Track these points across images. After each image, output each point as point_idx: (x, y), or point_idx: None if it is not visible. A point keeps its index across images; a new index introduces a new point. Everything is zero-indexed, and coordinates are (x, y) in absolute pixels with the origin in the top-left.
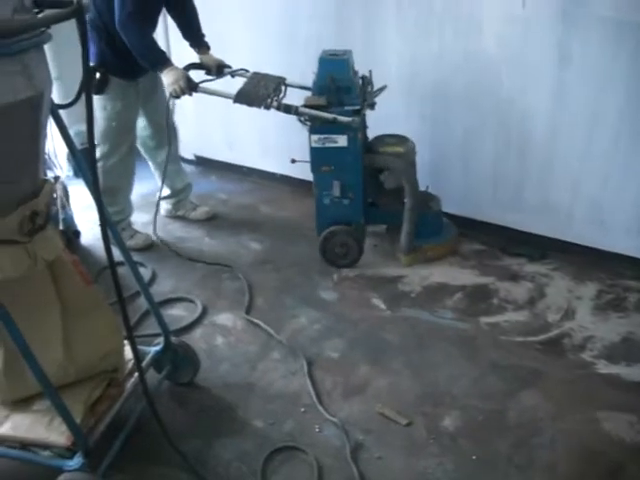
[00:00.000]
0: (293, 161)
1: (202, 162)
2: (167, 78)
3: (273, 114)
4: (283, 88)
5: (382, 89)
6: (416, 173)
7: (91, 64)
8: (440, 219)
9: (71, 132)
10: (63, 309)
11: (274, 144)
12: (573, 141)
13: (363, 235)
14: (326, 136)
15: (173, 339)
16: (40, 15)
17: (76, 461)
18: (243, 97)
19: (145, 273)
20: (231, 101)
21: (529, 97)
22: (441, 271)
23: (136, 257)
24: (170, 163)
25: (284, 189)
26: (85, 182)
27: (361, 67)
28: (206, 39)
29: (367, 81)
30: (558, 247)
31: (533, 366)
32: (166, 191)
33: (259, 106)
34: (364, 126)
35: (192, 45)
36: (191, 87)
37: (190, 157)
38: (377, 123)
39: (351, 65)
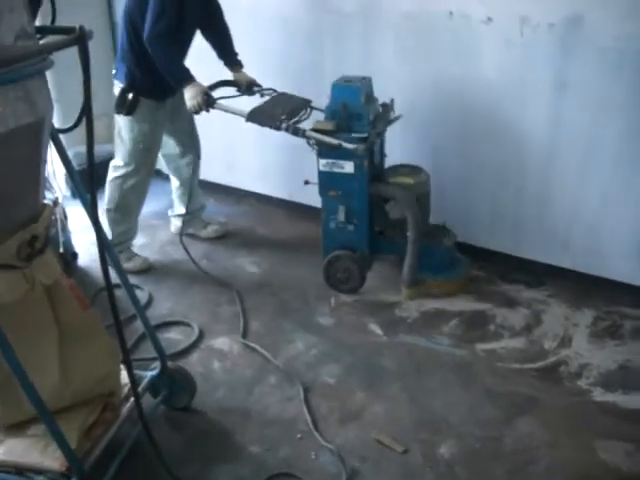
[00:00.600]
0: (306, 182)
1: (201, 185)
2: (187, 93)
3: (273, 137)
4: (307, 110)
5: (397, 118)
6: (428, 205)
7: (121, 85)
8: (451, 255)
9: (70, 153)
10: (60, 333)
11: (272, 167)
12: (570, 168)
13: (367, 263)
14: (333, 161)
15: (169, 363)
16: (42, 42)
17: None
18: (255, 116)
19: (142, 296)
20: (236, 122)
21: (526, 124)
22: (439, 298)
23: (133, 280)
24: (196, 178)
25: (280, 212)
26: (83, 204)
27: None
28: (239, 57)
29: (388, 109)
30: (555, 273)
31: (529, 393)
32: (181, 209)
33: (269, 126)
34: (382, 153)
35: (226, 64)
36: (208, 103)
37: None
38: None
39: (365, 92)
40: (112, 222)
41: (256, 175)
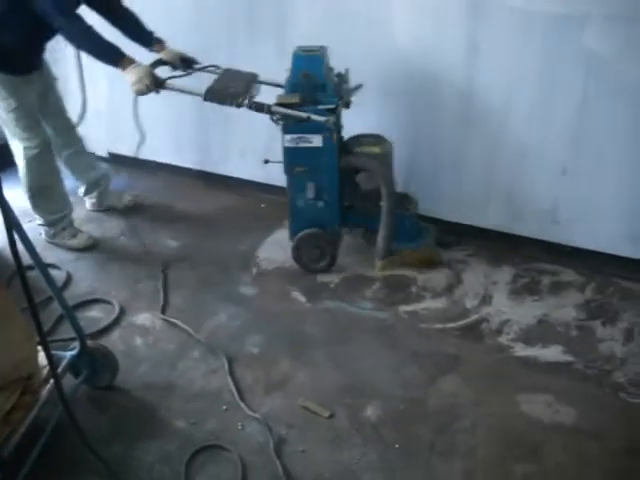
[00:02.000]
0: (266, 162)
1: (115, 159)
2: (131, 76)
3: (189, 108)
4: (256, 85)
5: (358, 87)
6: (393, 174)
7: None
8: (417, 222)
9: None
10: None
11: (189, 139)
12: (485, 128)
13: (339, 239)
14: (300, 136)
15: (89, 342)
16: None
17: None
18: (213, 95)
19: (60, 275)
20: (144, 96)
21: (443, 87)
22: (359, 262)
23: (50, 259)
24: (79, 157)
25: (197, 184)
26: None
27: None
28: (157, 35)
29: (344, 79)
30: (474, 233)
31: (452, 352)
32: (82, 188)
33: (230, 104)
34: (339, 126)
35: (145, 45)
36: (157, 84)
37: (104, 154)
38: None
39: (326, 62)
40: (37, 205)
41: (171, 147)
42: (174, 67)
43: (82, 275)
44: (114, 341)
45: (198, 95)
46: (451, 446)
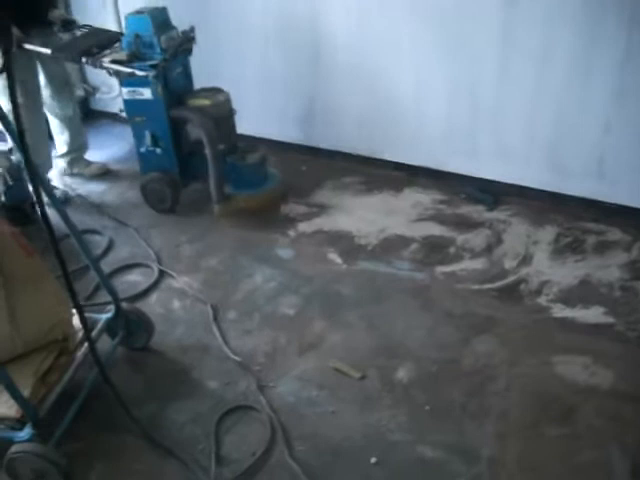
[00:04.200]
0: (121, 111)
1: None
2: None
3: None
4: (118, 44)
5: (191, 43)
6: (231, 124)
7: None
8: (261, 170)
9: None
10: (5, 282)
11: None
12: (523, 82)
13: (179, 183)
14: (134, 89)
15: (125, 305)
16: None
17: (26, 432)
18: (60, 51)
19: (102, 241)
20: None
21: (477, 42)
22: (398, 222)
23: (95, 225)
24: (72, 119)
25: None
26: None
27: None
28: None
29: (187, 35)
30: (516, 192)
31: (488, 313)
32: (63, 148)
33: (73, 60)
34: (186, 78)
35: None
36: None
37: None
38: None
39: (157, 22)
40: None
41: None
42: (55, 27)
43: (124, 240)
44: (152, 304)
45: (47, 52)
46: (483, 408)
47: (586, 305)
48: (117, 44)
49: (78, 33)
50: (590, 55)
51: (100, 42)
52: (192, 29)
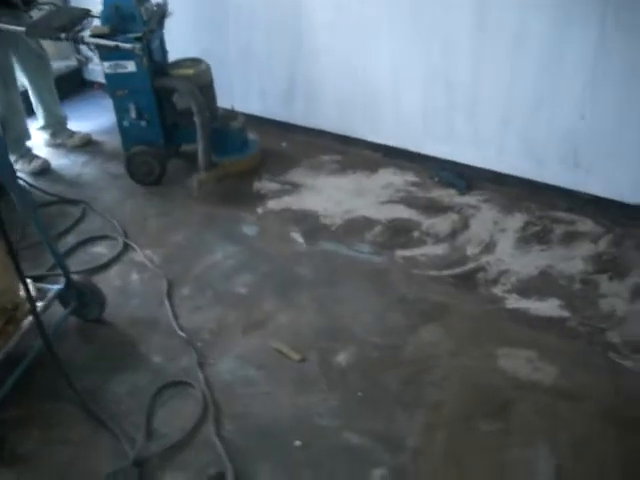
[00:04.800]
0: (92, 85)
1: None
2: None
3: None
4: (88, 20)
5: (168, 15)
6: (212, 93)
7: None
8: (242, 136)
9: None
10: None
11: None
12: (498, 67)
13: (165, 154)
14: (116, 62)
15: (77, 277)
16: None
17: None
18: (35, 30)
19: (76, 211)
20: None
21: (451, 26)
22: (366, 203)
23: (71, 194)
24: (47, 93)
25: None
26: None
27: None
28: None
29: (162, 7)
30: (490, 178)
31: (441, 301)
32: (41, 121)
33: (49, 37)
34: (163, 50)
35: None
36: None
37: None
38: None
39: None
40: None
41: None
42: (16, 6)
43: (98, 211)
44: (112, 276)
45: (20, 31)
46: (417, 398)
47: (542, 297)
48: (86, 20)
49: (44, 10)
50: (564, 40)
51: (72, 18)
52: (165, 1)
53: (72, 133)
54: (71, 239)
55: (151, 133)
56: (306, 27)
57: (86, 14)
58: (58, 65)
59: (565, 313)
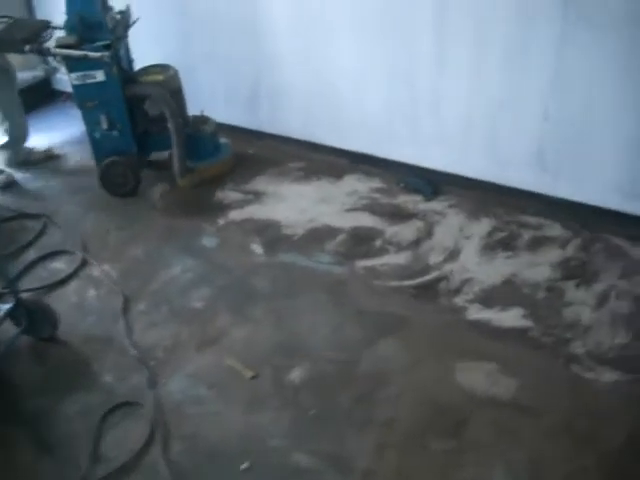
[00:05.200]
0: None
1: None
2: None
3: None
4: (49, 31)
5: (134, 22)
6: (182, 98)
7: None
8: (214, 141)
9: None
10: None
11: None
12: (459, 67)
13: (139, 163)
14: (84, 73)
15: (27, 296)
16: None
17: None
18: None
19: (37, 225)
20: None
21: (412, 25)
22: (330, 211)
23: (33, 207)
24: (13, 108)
25: None
26: None
27: None
28: None
29: (125, 15)
30: (457, 182)
31: (400, 313)
32: (4, 138)
33: (12, 51)
34: (129, 58)
35: None
36: None
37: None
38: None
39: (102, 1)
40: None
41: None
42: None
43: (59, 225)
44: (69, 292)
45: None
46: (369, 416)
47: (505, 307)
48: (47, 32)
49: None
50: (526, 39)
51: (33, 30)
52: (128, 8)
53: (31, 149)
54: (32, 254)
55: (124, 143)
56: (268, 31)
57: (46, 26)
58: (25, 76)
59: (528, 323)
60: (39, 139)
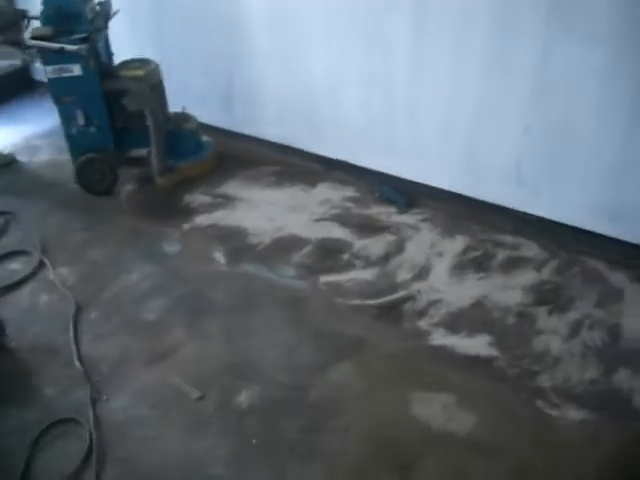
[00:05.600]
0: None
1: None
2: None
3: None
4: (25, 21)
5: (115, 13)
6: (163, 94)
7: None
8: (196, 138)
9: None
10: None
11: None
12: (438, 75)
13: (116, 160)
14: (60, 66)
15: None
16: None
17: None
18: None
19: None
20: None
21: (389, 29)
22: (299, 221)
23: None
24: None
25: None
26: None
27: None
28: None
29: (105, 6)
30: (433, 195)
31: (359, 335)
32: None
33: None
34: (108, 52)
35: None
36: None
37: None
38: None
39: None
40: None
41: None
42: None
43: (23, 223)
44: (22, 296)
45: None
46: (314, 448)
47: (471, 332)
48: (23, 22)
49: None
50: (507, 49)
51: (7, 19)
52: (108, 1)
53: None
54: None
55: (101, 139)
56: (244, 29)
57: (22, 15)
58: (1, 64)
59: (494, 352)
60: (12, 131)
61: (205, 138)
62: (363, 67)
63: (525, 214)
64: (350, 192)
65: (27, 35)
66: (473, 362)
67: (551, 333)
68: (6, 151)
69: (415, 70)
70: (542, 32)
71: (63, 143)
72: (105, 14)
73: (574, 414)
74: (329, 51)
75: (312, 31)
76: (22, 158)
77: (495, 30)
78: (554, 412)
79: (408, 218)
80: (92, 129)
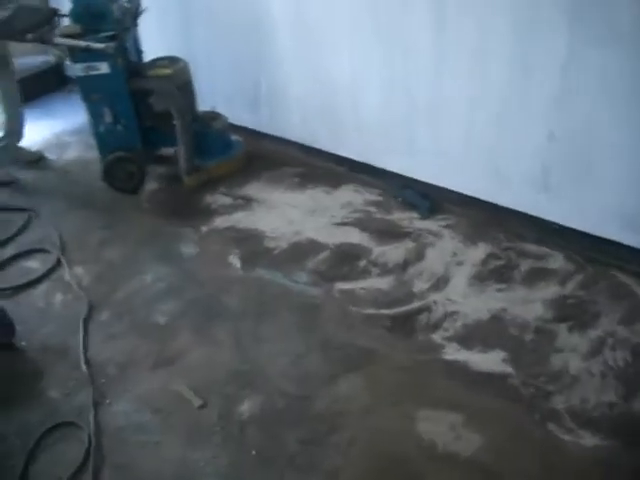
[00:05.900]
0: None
1: None
2: None
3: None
4: (56, 19)
5: (142, 12)
6: (192, 92)
7: None
8: (225, 138)
9: None
10: None
11: None
12: (460, 76)
13: (145, 159)
14: (88, 64)
15: None
16: None
17: None
18: None
19: (21, 218)
20: None
21: (410, 29)
22: (318, 224)
23: (23, 200)
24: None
25: None
26: None
27: None
28: None
29: (135, 3)
30: (458, 201)
31: (370, 346)
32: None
33: (14, 39)
34: (137, 50)
35: None
36: None
37: None
38: None
39: None
40: None
41: None
42: None
43: (43, 220)
44: (37, 295)
45: None
46: (314, 462)
47: (486, 348)
48: (55, 20)
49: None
50: (530, 50)
51: (39, 17)
52: None
53: (21, 149)
54: (10, 249)
55: (129, 137)
56: (269, 34)
57: (54, 13)
58: (35, 61)
59: (508, 369)
60: (43, 126)
61: (235, 138)
62: (384, 71)
63: (550, 222)
64: (373, 195)
65: (57, 33)
66: (486, 379)
67: (570, 351)
68: (35, 148)
69: (436, 68)
70: (566, 34)
71: (92, 140)
72: (134, 12)
73: (587, 439)
74: (351, 56)
75: (334, 37)
76: (51, 155)
77: (517, 32)
78: (566, 436)
79: (430, 224)
80: (120, 127)
